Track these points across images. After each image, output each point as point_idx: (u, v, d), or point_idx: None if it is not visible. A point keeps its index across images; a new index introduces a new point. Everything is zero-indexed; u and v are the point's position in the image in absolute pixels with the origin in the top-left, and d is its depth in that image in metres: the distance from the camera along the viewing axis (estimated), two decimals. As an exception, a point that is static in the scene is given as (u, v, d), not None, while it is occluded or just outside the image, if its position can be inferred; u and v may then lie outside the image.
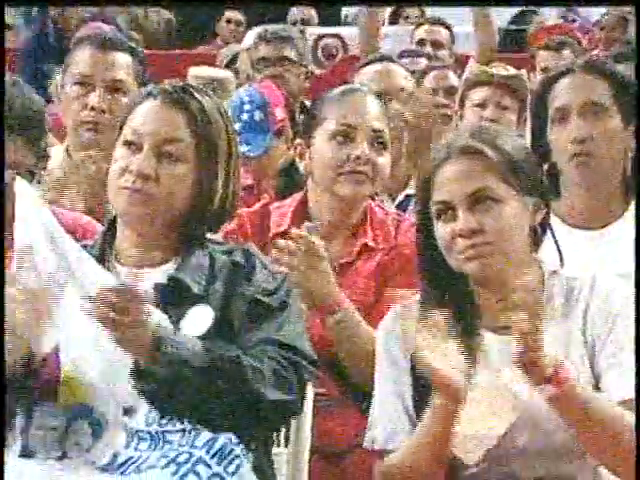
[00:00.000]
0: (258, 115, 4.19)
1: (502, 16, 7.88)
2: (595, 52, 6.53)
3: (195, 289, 2.45)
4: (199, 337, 2.39)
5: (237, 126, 4.16)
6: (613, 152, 2.96)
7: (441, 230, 2.43)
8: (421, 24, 6.59)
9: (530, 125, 3.13)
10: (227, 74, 5.64)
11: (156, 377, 2.30)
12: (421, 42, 6.07)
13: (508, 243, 2.42)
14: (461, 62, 5.53)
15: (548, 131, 2.97)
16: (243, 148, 4.11)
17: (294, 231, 2.87)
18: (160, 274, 2.48)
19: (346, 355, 2.89)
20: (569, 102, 2.94)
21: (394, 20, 8.08)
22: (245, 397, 2.34)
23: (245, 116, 4.21)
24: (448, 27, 6.50)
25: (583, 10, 8.28)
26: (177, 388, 2.31)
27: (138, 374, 2.32)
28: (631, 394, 2.38)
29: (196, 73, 5.37)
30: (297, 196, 3.16)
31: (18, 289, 2.33)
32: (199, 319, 2.43)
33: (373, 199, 3.21)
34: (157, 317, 2.36)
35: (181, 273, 2.47)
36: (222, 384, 2.33)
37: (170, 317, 2.40)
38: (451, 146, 2.46)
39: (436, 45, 6.05)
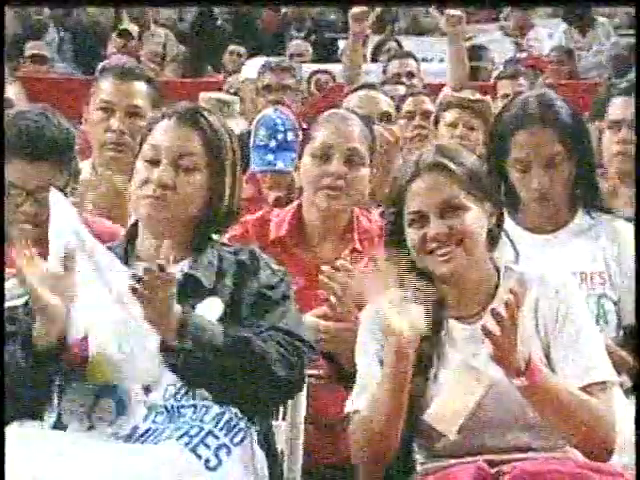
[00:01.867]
0: (290, 136, 4.18)
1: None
2: (545, 80, 6.53)
3: (206, 284, 2.46)
4: None
5: (272, 144, 4.16)
6: (562, 183, 2.95)
7: (413, 235, 2.43)
8: (393, 57, 6.63)
9: (488, 151, 3.11)
10: (233, 98, 5.63)
11: (182, 353, 2.31)
12: (397, 75, 6.10)
13: (473, 244, 2.43)
14: (434, 89, 5.52)
15: (509, 171, 2.96)
16: (280, 164, 4.12)
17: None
18: (177, 271, 2.46)
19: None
20: (529, 156, 2.92)
21: (376, 53, 8.08)
22: (257, 372, 2.35)
23: (280, 136, 4.17)
24: (416, 59, 6.57)
25: (534, 45, 8.29)
26: (200, 363, 2.32)
27: (166, 350, 2.33)
28: (590, 380, 2.38)
29: (206, 96, 5.36)
30: (293, 206, 3.15)
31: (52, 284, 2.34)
32: (210, 310, 2.43)
33: (368, 210, 3.22)
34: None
35: (194, 270, 2.47)
36: (238, 360, 2.34)
37: (184, 308, 2.39)
38: (420, 163, 2.46)
39: (408, 76, 6.07)
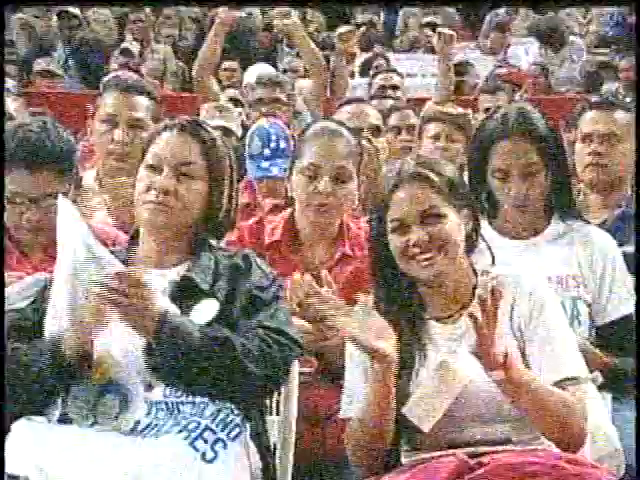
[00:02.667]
0: (282, 144, 4.17)
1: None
2: (522, 94, 6.53)
3: (203, 286, 2.45)
4: (206, 324, 2.39)
5: (266, 152, 4.17)
6: (539, 191, 2.96)
7: (396, 241, 2.43)
8: (379, 73, 6.66)
9: (469, 161, 3.11)
10: (230, 105, 5.62)
11: (159, 353, 2.31)
12: (382, 87, 6.12)
13: (452, 250, 2.42)
14: (417, 103, 5.51)
15: (489, 179, 2.96)
16: (274, 171, 4.12)
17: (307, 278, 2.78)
18: (175, 274, 2.48)
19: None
20: (508, 165, 2.93)
21: (364, 69, 8.08)
22: (232, 370, 2.33)
23: (273, 145, 4.17)
24: (399, 73, 6.60)
25: (510, 62, 8.30)
26: (179, 364, 2.31)
27: (148, 352, 2.32)
28: (562, 375, 2.38)
29: (209, 105, 5.35)
30: (287, 212, 3.14)
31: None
32: (206, 310, 2.43)
33: (357, 217, 3.22)
34: (165, 304, 2.37)
35: (192, 273, 2.47)
36: (215, 359, 2.32)
37: (182, 308, 2.40)
38: (402, 173, 2.46)
39: (393, 88, 6.08)
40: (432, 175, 2.43)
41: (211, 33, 5.45)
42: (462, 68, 7.95)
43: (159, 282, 2.44)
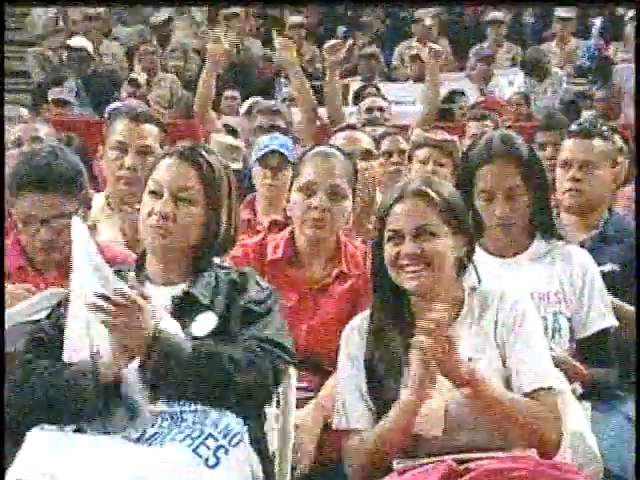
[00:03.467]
0: (282, 139, 4.19)
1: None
2: (506, 121, 6.55)
3: (203, 301, 2.45)
4: (204, 336, 2.40)
5: (266, 140, 4.15)
6: (521, 212, 2.96)
7: (390, 250, 2.44)
8: (366, 97, 6.68)
9: (457, 184, 3.12)
10: (239, 142, 5.59)
11: (153, 371, 2.31)
12: (370, 109, 6.13)
13: (439, 267, 2.42)
14: (406, 130, 5.50)
15: (475, 201, 2.96)
16: (274, 144, 4.07)
17: None
18: (178, 290, 2.48)
19: None
20: (492, 187, 2.93)
21: (358, 97, 8.09)
22: (220, 381, 2.33)
23: (273, 137, 4.20)
24: (384, 98, 6.61)
25: (495, 91, 8.33)
26: (171, 379, 2.32)
27: (142, 368, 2.33)
28: (538, 385, 2.39)
29: (218, 139, 5.34)
30: (287, 232, 3.14)
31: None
32: (205, 323, 2.43)
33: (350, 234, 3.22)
34: (166, 321, 2.37)
35: (193, 289, 2.47)
36: (204, 373, 2.32)
37: (183, 321, 2.40)
38: (405, 188, 2.47)
39: (380, 110, 6.09)
40: (433, 194, 2.44)
41: (204, 70, 5.46)
42: (452, 96, 7.98)
43: (163, 298, 2.45)
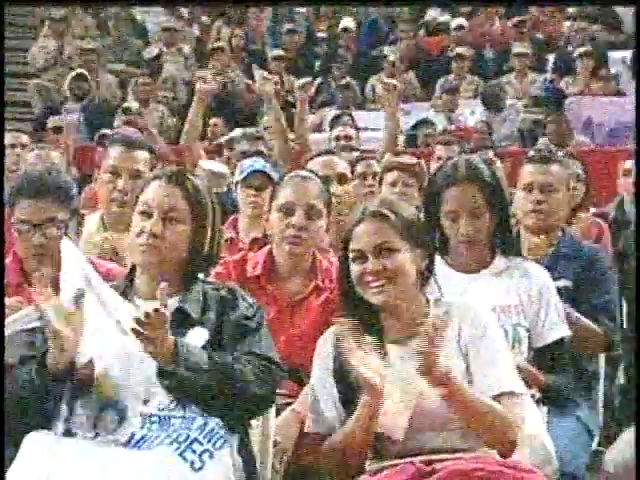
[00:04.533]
0: (263, 162, 4.22)
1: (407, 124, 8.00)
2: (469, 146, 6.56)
3: (194, 315, 2.43)
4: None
5: (248, 162, 4.20)
6: (484, 231, 2.96)
7: (355, 269, 2.43)
8: (336, 126, 6.68)
9: (424, 204, 3.12)
10: (224, 169, 5.56)
11: (175, 376, 2.29)
12: (337, 137, 6.14)
13: (402, 281, 2.42)
14: (373, 153, 5.51)
15: (441, 220, 2.96)
16: (257, 165, 4.14)
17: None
18: (169, 306, 2.44)
19: None
20: (458, 208, 2.93)
21: (334, 123, 8.11)
22: (236, 390, 2.32)
23: (254, 160, 4.25)
24: (353, 126, 6.64)
25: (460, 119, 8.36)
26: (189, 383, 2.30)
27: (162, 374, 2.31)
28: (501, 390, 2.38)
29: (204, 166, 5.31)
30: (266, 249, 3.13)
31: (62, 316, 2.31)
32: (197, 337, 2.40)
33: (327, 253, 3.21)
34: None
35: (184, 304, 2.44)
36: (221, 380, 2.31)
37: (175, 335, 2.36)
38: (365, 210, 2.47)
39: (347, 138, 6.11)
40: (390, 214, 2.43)
41: (192, 105, 5.48)
42: (420, 124, 8.01)
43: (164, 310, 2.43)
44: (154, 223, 2.44)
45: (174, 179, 2.50)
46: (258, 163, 4.17)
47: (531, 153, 3.69)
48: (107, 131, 7.14)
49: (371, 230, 2.42)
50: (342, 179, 4.03)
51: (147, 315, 2.24)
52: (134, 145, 3.55)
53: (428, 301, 2.49)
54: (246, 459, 2.40)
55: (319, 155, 4.20)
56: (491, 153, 5.03)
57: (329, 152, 4.38)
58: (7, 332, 2.57)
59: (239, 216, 4.14)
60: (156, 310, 2.25)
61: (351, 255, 2.44)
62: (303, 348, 2.77)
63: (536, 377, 2.86)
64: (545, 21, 10.28)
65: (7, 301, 2.70)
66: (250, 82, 9.62)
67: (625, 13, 10.34)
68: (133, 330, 2.26)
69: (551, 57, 9.79)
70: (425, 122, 8.02)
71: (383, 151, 5.36)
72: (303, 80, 5.90)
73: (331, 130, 7.50)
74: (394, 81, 5.69)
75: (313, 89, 5.83)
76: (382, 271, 2.39)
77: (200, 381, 2.30)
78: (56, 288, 2.41)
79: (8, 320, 2.60)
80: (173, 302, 2.44)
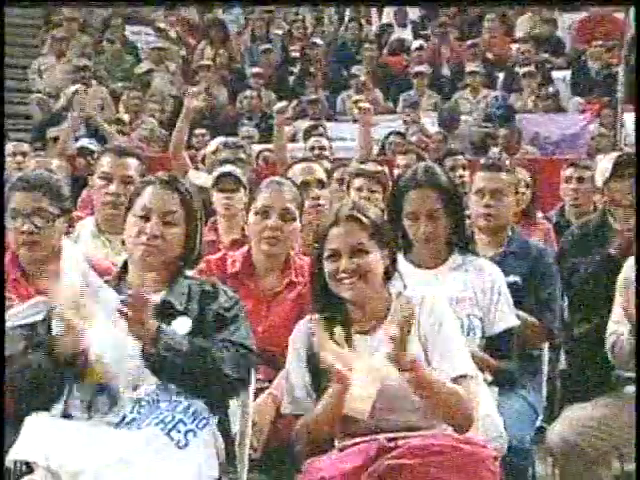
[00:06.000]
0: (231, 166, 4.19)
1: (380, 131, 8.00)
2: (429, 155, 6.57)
3: (178, 307, 2.42)
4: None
5: (220, 168, 4.17)
6: (441, 230, 2.96)
7: (329, 267, 2.42)
8: (311, 137, 6.66)
9: (388, 206, 3.12)
10: (209, 181, 5.51)
11: (157, 357, 2.28)
12: (312, 147, 6.13)
13: (371, 278, 2.42)
14: (347, 162, 5.51)
15: (403, 221, 2.96)
16: (228, 167, 4.13)
17: None
18: (157, 298, 2.43)
19: None
20: (417, 209, 2.94)
21: (307, 134, 8.10)
22: (212, 372, 2.31)
23: (226, 166, 4.20)
24: (327, 137, 6.63)
25: (422, 131, 8.37)
26: (170, 365, 2.29)
27: (145, 356, 2.29)
28: (457, 373, 2.39)
29: (192, 178, 5.24)
30: (244, 249, 3.12)
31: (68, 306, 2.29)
32: (181, 326, 2.39)
33: (301, 252, 3.20)
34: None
35: (169, 296, 2.43)
36: (199, 363, 2.30)
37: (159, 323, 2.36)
38: (339, 213, 2.46)
39: (321, 149, 6.09)
40: (363, 218, 2.43)
41: (180, 118, 5.46)
42: (392, 136, 8.04)
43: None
44: (154, 225, 2.43)
45: (170, 184, 2.49)
46: (227, 167, 4.15)
47: (483, 162, 3.71)
48: (85, 143, 7.09)
49: (345, 232, 2.42)
50: (320, 184, 4.00)
51: (130, 296, 2.23)
52: (124, 153, 3.53)
53: (391, 295, 2.49)
54: (226, 437, 2.39)
55: (298, 162, 4.18)
56: (462, 158, 5.04)
57: (308, 159, 4.36)
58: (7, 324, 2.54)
59: (217, 219, 4.11)
60: (138, 293, 2.24)
61: (326, 254, 2.43)
62: (278, 337, 2.76)
63: (488, 362, 2.87)
64: (495, 43, 10.33)
65: None
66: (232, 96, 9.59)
67: (565, 36, 10.45)
68: (119, 311, 2.24)
69: (501, 75, 9.84)
70: (395, 133, 8.06)
71: (358, 160, 5.37)
72: (280, 104, 5.98)
73: (305, 140, 7.51)
74: (367, 105, 5.72)
75: (289, 112, 5.92)
76: (354, 269, 2.39)
77: (179, 362, 2.28)
78: (55, 281, 2.40)
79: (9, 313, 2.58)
80: (160, 295, 2.43)
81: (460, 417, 2.34)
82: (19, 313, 2.58)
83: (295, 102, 8.50)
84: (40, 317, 2.47)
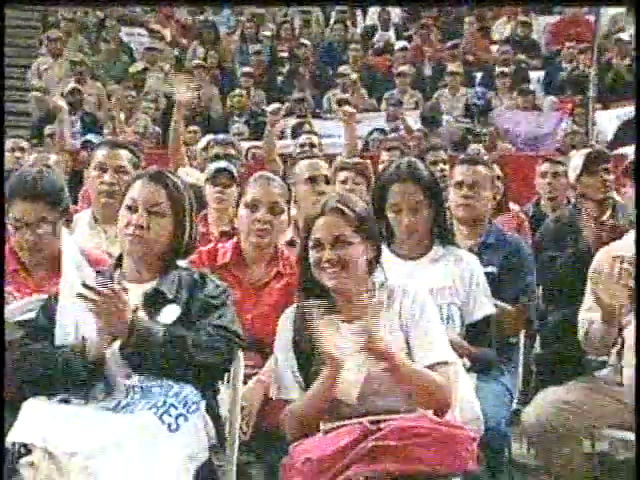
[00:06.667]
0: (228, 165, 4.14)
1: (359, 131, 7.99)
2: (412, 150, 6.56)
3: (168, 295, 2.41)
4: (170, 323, 2.35)
5: (214, 164, 4.12)
6: (423, 223, 2.97)
7: (313, 256, 2.42)
8: (302, 134, 6.65)
9: (372, 199, 3.11)
10: (201, 179, 5.48)
11: (132, 350, 2.28)
12: (303, 145, 6.11)
13: (353, 268, 2.41)
14: (334, 158, 5.51)
15: (387, 213, 2.95)
16: (222, 164, 4.07)
17: None
18: (149, 287, 2.43)
19: None
20: (400, 202, 2.93)
21: (294, 131, 8.07)
22: (185, 359, 2.30)
23: (220, 162, 4.16)
24: (317, 135, 6.61)
25: (404, 128, 8.37)
26: (146, 357, 2.28)
27: (122, 348, 2.29)
28: (436, 360, 2.39)
29: (182, 175, 5.22)
30: (234, 240, 3.10)
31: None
32: (170, 313, 2.39)
33: (292, 244, 3.19)
34: (140, 312, 2.33)
35: (160, 285, 2.43)
36: (172, 351, 2.29)
37: (152, 311, 2.36)
38: (325, 205, 2.45)
39: (311, 146, 6.08)
40: (347, 210, 2.42)
41: (174, 114, 5.45)
42: (373, 132, 8.02)
43: (137, 293, 2.39)
44: (139, 216, 2.41)
45: (157, 178, 2.47)
46: (222, 163, 4.13)
47: (462, 156, 3.71)
48: (90, 137, 7.06)
49: (330, 223, 2.41)
50: (326, 180, 3.97)
51: (107, 294, 2.23)
52: (117, 145, 3.56)
53: (374, 284, 2.48)
54: (216, 421, 2.38)
55: (305, 158, 4.15)
56: (442, 153, 5.05)
57: (313, 156, 4.32)
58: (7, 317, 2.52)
59: (208, 212, 4.10)
60: (117, 293, 2.24)
61: (310, 243, 2.42)
62: (267, 325, 2.75)
63: (467, 348, 2.87)
64: (474, 45, 10.34)
65: None
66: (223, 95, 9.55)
67: (539, 38, 10.47)
68: (79, 295, 2.23)
69: (479, 75, 9.84)
70: (378, 130, 8.06)
71: (345, 156, 5.37)
72: (274, 106, 6.03)
73: (293, 137, 7.49)
74: (351, 109, 5.75)
75: (281, 113, 5.96)
76: (336, 260, 2.38)
77: (155, 352, 2.27)
78: (54, 274, 2.39)
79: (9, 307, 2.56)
80: (152, 283, 2.42)
81: (437, 403, 2.34)
82: (18, 309, 2.56)
83: (286, 103, 8.47)
84: (28, 315, 2.47)
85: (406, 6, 11.00)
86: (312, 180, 3.74)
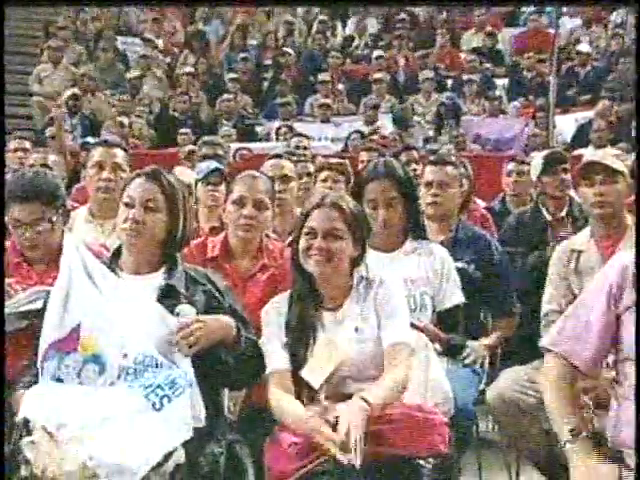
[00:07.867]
0: (216, 163, 4.13)
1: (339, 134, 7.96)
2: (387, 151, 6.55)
3: (181, 291, 2.41)
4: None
5: (204, 164, 4.11)
6: (398, 218, 2.95)
7: (304, 242, 2.42)
8: (294, 137, 6.62)
9: (352, 196, 3.09)
10: (191, 178, 5.43)
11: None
12: (296, 147, 6.07)
13: (337, 259, 2.41)
14: (315, 158, 5.47)
15: (365, 208, 2.93)
16: (212, 166, 4.05)
17: None
18: (149, 280, 2.42)
19: None
20: (377, 199, 2.93)
21: (277, 133, 8.04)
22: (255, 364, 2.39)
23: (209, 163, 4.14)
24: (307, 137, 6.57)
25: (381, 129, 8.36)
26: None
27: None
28: (397, 340, 2.39)
29: (177, 173, 5.16)
30: (222, 235, 3.07)
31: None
32: (186, 312, 2.36)
33: (268, 236, 3.16)
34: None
35: (172, 281, 2.42)
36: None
37: (167, 308, 2.33)
38: (325, 198, 2.45)
39: (302, 148, 6.05)
40: (344, 206, 2.43)
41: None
42: (354, 134, 8.01)
43: (145, 287, 2.38)
44: (136, 212, 2.41)
45: (152, 176, 2.47)
46: (213, 164, 4.11)
47: (431, 158, 3.71)
48: (89, 139, 7.01)
49: (326, 215, 2.41)
50: (285, 179, 3.94)
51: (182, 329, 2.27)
52: (112, 144, 3.58)
53: (353, 276, 2.48)
54: (213, 399, 2.37)
55: (271, 158, 4.13)
56: (415, 153, 5.04)
57: (278, 156, 4.30)
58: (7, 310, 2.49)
59: (198, 209, 4.07)
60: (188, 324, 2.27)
61: (305, 230, 2.41)
62: (254, 314, 2.73)
63: (438, 335, 2.87)
64: (445, 54, 10.37)
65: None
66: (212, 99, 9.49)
67: (504, 48, 10.53)
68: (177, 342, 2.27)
69: (449, 81, 9.87)
70: (357, 132, 8.07)
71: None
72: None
73: (277, 139, 7.45)
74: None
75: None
76: (326, 249, 2.38)
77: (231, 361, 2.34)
78: (55, 268, 2.35)
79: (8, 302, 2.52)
80: (155, 277, 2.42)
81: (403, 390, 2.35)
82: (19, 301, 2.53)
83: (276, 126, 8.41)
84: (40, 305, 2.43)
85: (381, 17, 11.02)
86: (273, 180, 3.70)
